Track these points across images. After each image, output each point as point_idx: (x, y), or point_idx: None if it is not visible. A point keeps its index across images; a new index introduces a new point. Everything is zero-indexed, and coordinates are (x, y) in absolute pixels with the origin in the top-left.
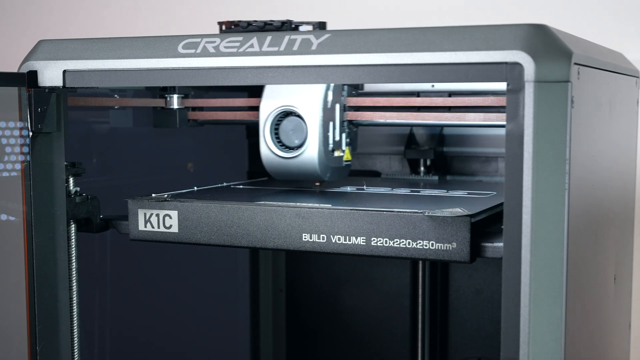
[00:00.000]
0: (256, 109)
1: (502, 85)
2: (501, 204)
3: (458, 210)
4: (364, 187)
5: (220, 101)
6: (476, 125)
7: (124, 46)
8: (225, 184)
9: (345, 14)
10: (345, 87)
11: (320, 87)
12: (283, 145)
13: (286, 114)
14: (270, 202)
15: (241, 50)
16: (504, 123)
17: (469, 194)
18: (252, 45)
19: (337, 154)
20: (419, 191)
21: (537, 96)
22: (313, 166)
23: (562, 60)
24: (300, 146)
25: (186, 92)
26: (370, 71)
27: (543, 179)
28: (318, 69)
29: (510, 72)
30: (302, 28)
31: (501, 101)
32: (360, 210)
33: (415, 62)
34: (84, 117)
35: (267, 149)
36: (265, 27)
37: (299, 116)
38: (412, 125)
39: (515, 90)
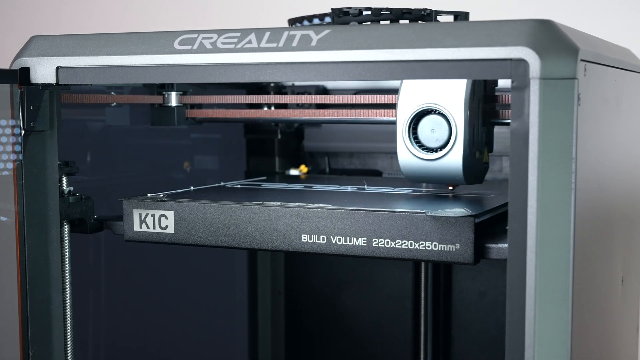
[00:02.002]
0: (256, 106)
1: None
2: (506, 204)
3: (461, 211)
4: (365, 186)
5: (219, 98)
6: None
7: (119, 42)
8: (222, 183)
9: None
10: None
11: (463, 81)
12: (422, 146)
13: (425, 112)
14: (269, 202)
15: (239, 46)
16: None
17: (472, 193)
18: (250, 41)
19: (477, 155)
20: (421, 191)
21: (542, 93)
22: (457, 169)
23: (568, 57)
24: (442, 147)
25: (185, 89)
26: (371, 68)
27: (549, 179)
28: (318, 65)
29: (515, 68)
30: (440, 18)
31: None
32: (361, 210)
33: (418, 58)
34: (78, 115)
35: (406, 150)
36: (404, 15)
37: (441, 114)
38: None
39: (520, 87)
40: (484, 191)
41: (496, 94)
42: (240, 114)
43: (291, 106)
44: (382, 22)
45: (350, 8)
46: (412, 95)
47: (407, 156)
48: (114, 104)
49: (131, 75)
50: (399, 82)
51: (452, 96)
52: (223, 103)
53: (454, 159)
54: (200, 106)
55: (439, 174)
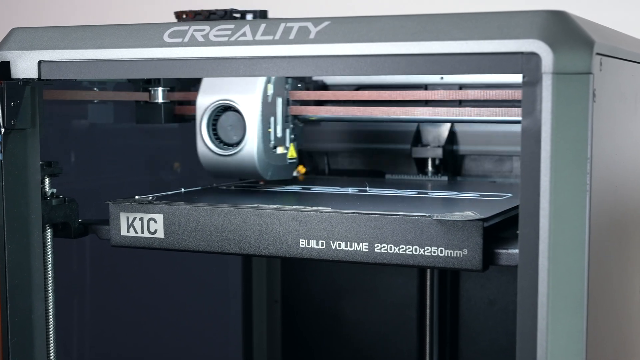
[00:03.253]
0: None
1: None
2: (516, 206)
3: (469, 214)
4: (367, 188)
5: None
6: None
7: (105, 35)
8: (215, 185)
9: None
10: (290, 79)
11: (261, 80)
12: (221, 142)
13: (224, 108)
14: (265, 205)
15: (232, 39)
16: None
17: (481, 196)
18: (244, 34)
19: (280, 150)
20: (426, 193)
21: (555, 89)
22: (252, 164)
23: (583, 50)
24: (239, 143)
25: (172, 85)
26: (373, 62)
27: (562, 180)
28: (316, 59)
29: (527, 63)
30: (248, 17)
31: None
32: (363, 213)
33: (423, 52)
34: (62, 112)
35: (204, 145)
36: (210, 16)
37: (237, 111)
38: (358, 120)
39: (532, 82)
40: (493, 193)
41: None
42: None
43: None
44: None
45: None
46: (211, 91)
47: (206, 151)
48: (96, 101)
49: (118, 70)
50: (403, 77)
51: (246, 94)
52: None
53: (248, 155)
54: (189, 103)
55: (236, 169)
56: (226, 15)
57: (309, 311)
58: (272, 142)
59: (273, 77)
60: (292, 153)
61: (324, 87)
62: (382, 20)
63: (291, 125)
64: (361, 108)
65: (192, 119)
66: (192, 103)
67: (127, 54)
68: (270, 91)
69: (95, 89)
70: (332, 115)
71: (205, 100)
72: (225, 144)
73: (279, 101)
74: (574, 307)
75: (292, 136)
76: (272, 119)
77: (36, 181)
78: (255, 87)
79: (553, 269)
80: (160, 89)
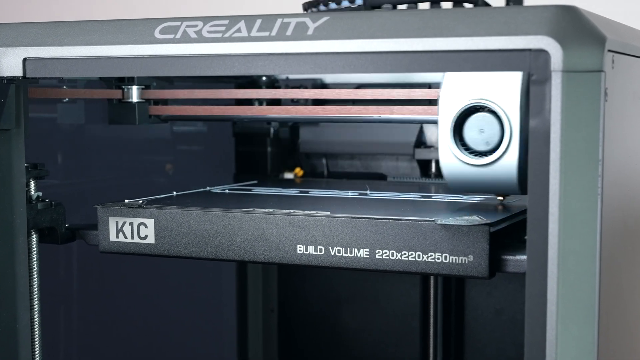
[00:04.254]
0: (244, 102)
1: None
2: (524, 211)
3: (475, 219)
4: (368, 191)
5: (187, 93)
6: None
7: (93, 31)
8: (208, 188)
9: None
10: None
11: (517, 75)
12: (469, 149)
13: (472, 110)
14: (261, 209)
15: (227, 35)
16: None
17: (487, 199)
18: (239, 30)
19: None
20: (430, 196)
21: (565, 88)
22: (511, 176)
23: (594, 47)
24: (493, 151)
25: (147, 83)
26: (374, 59)
27: (572, 183)
28: (315, 57)
29: (535, 60)
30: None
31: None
32: (363, 218)
33: (426, 49)
34: (48, 112)
35: (451, 154)
36: None
37: (491, 111)
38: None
39: (541, 81)
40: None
41: None
42: (223, 112)
43: (285, 102)
44: (419, 6)
45: None
46: (457, 89)
47: (452, 161)
48: (66, 99)
49: (107, 68)
50: (402, 75)
51: (504, 89)
52: (201, 98)
53: (507, 165)
54: (165, 102)
55: (489, 183)
56: None
57: (307, 320)
58: None
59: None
60: None
61: (322, 85)
62: (383, 15)
63: None
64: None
65: (168, 119)
66: (169, 102)
67: (117, 51)
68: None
69: (64, 87)
70: None
71: (452, 99)
72: (474, 152)
73: None
74: (584, 316)
75: None
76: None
77: (21, 184)
78: (514, 82)
79: (562, 276)
80: (134, 87)
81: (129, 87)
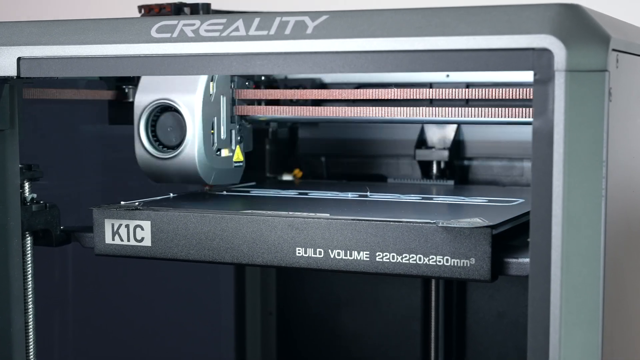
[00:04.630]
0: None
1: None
2: (527, 213)
3: (477, 221)
4: (368, 193)
5: None
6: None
7: (88, 30)
8: (206, 189)
9: None
10: (236, 77)
11: (202, 78)
12: (161, 144)
13: (164, 108)
14: (259, 211)
15: (225, 34)
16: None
17: (489, 201)
18: (237, 29)
19: (224, 153)
20: (431, 198)
21: (569, 87)
22: (193, 168)
23: (598, 46)
24: (179, 145)
25: None
26: (374, 59)
27: (576, 184)
28: (314, 56)
29: (538, 59)
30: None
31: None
32: (364, 220)
33: (427, 48)
34: (43, 112)
35: (142, 148)
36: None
37: (177, 111)
38: (307, 121)
39: (544, 80)
40: (502, 199)
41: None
42: None
43: (284, 102)
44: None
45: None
46: (149, 90)
47: (144, 155)
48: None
49: (103, 68)
50: (405, 74)
51: (186, 93)
52: None
53: (188, 158)
54: None
55: (177, 173)
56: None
57: (306, 324)
58: (216, 145)
59: (216, 75)
60: (238, 156)
61: (322, 85)
62: (384, 14)
63: (237, 127)
64: (320, 108)
65: None
66: None
67: (112, 50)
68: (213, 90)
69: (64, 87)
70: (282, 116)
71: (143, 100)
72: (165, 146)
73: (223, 100)
74: (588, 320)
75: (239, 138)
76: (214, 119)
77: (15, 186)
78: (196, 86)
79: (566, 279)
80: (133, 88)
81: (129, 87)
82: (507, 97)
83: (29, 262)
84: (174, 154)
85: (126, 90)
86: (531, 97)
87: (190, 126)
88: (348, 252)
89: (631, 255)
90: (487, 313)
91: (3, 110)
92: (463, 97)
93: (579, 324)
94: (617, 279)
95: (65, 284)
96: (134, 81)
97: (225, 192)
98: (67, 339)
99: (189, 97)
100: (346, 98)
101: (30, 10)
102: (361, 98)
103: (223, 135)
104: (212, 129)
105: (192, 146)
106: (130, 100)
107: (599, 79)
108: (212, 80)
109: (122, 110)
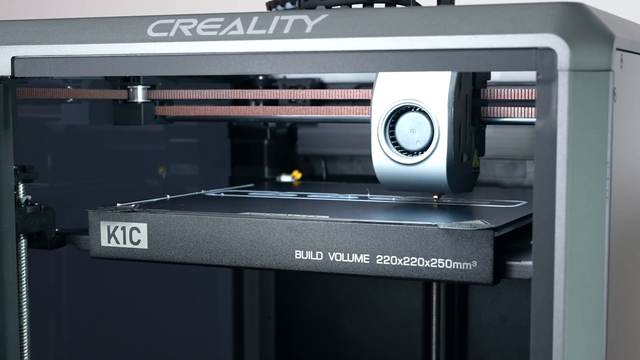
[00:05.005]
0: (242, 102)
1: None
2: (530, 215)
3: (479, 223)
4: (368, 195)
5: (195, 93)
6: None
7: (84, 29)
8: (203, 191)
9: None
10: (471, 74)
11: (447, 75)
12: (401, 148)
13: (404, 109)
14: (257, 213)
15: (222, 33)
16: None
17: (491, 203)
18: (235, 28)
19: (465, 159)
20: (432, 200)
21: (572, 87)
22: (440, 174)
23: (602, 45)
24: (423, 150)
25: (153, 83)
26: (375, 58)
27: (580, 186)
28: (313, 55)
29: (541, 59)
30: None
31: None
32: (364, 222)
33: (429, 47)
34: (37, 113)
35: (382, 153)
36: None
37: (422, 112)
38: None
39: (547, 80)
40: (505, 200)
41: (488, 87)
42: (221, 112)
43: (282, 102)
44: (353, 6)
45: None
46: (389, 89)
47: (383, 160)
48: (71, 100)
49: (98, 67)
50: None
51: (434, 90)
52: (201, 99)
53: (436, 164)
54: (171, 102)
55: (419, 181)
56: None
57: (305, 328)
58: (460, 150)
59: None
60: (475, 162)
61: (321, 85)
62: (384, 12)
63: (475, 129)
64: (319, 108)
65: (174, 120)
66: (175, 103)
67: (109, 49)
68: (460, 88)
69: (68, 87)
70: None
71: (383, 100)
72: (405, 151)
73: (468, 100)
74: (592, 324)
75: (476, 141)
76: (461, 121)
77: (9, 187)
78: (443, 83)
79: (569, 282)
80: (139, 87)
81: (135, 87)
82: (509, 98)
83: (24, 265)
84: (419, 160)
85: (131, 90)
86: (534, 97)
87: (438, 129)
88: (348, 254)
89: (635, 258)
90: (489, 317)
91: None
92: None
93: (582, 328)
94: (622, 282)
95: (60, 287)
96: (139, 81)
97: (222, 194)
98: (62, 342)
99: (439, 96)
100: (346, 98)
101: (24, 8)
102: (361, 98)
103: (467, 139)
104: (459, 132)
105: (442, 150)
106: (135, 100)
107: (603, 79)
108: (459, 78)
109: (127, 110)
